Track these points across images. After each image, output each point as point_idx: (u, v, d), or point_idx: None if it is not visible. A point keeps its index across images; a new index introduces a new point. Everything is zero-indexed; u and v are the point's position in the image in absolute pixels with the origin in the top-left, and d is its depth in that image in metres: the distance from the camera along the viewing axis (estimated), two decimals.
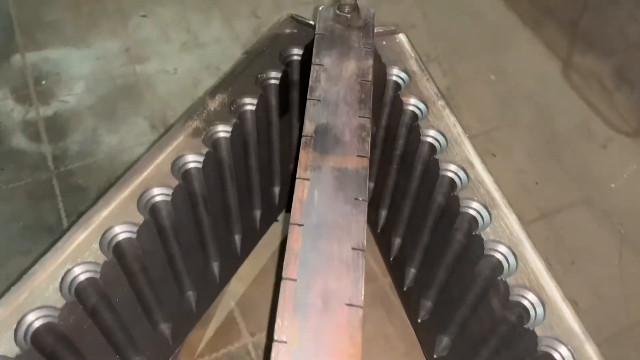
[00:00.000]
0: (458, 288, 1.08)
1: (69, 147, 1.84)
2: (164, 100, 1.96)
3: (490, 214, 0.97)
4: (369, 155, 0.92)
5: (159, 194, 0.97)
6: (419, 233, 1.20)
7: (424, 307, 1.27)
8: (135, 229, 0.93)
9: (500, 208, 0.98)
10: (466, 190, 1.00)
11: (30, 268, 0.91)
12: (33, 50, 2.06)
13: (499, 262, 0.94)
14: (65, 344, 0.89)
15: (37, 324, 0.84)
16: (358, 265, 0.81)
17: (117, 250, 0.93)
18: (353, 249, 0.82)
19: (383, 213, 1.40)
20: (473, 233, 0.97)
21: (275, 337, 0.75)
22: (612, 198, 1.80)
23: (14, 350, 0.80)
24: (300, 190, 0.88)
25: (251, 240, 1.45)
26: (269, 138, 1.26)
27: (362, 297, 0.79)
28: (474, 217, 0.99)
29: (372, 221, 1.44)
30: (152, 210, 0.97)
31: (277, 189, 1.44)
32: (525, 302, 0.89)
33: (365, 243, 0.84)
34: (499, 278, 0.92)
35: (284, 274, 0.80)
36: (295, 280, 0.79)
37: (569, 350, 0.84)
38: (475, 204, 0.98)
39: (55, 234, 1.64)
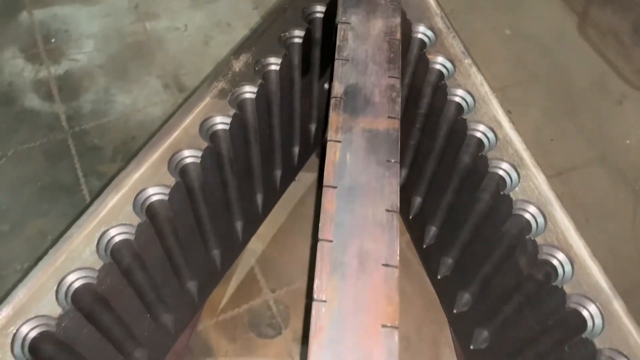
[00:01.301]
0: (482, 246, 1.09)
1: (83, 106, 1.83)
2: (175, 58, 1.94)
3: (518, 174, 0.98)
4: (399, 117, 0.92)
5: (189, 156, 0.97)
6: (442, 192, 1.21)
7: (445, 264, 1.29)
8: (167, 190, 0.94)
9: (529, 168, 0.98)
10: (494, 150, 1.01)
11: (53, 230, 0.91)
12: (40, 7, 2.02)
13: (528, 221, 0.95)
14: (102, 304, 0.91)
15: (76, 284, 0.85)
16: (392, 226, 0.82)
17: (150, 212, 0.94)
18: (387, 210, 0.83)
19: (403, 172, 1.40)
20: (501, 193, 0.98)
21: (315, 296, 0.76)
22: (627, 155, 1.81)
23: (56, 310, 0.82)
24: (332, 152, 0.88)
25: (272, 199, 1.46)
26: (291, 98, 1.25)
27: (398, 258, 0.80)
28: (502, 178, 0.99)
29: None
30: (183, 172, 0.98)
31: (296, 149, 1.44)
32: (554, 261, 0.91)
33: (398, 205, 0.84)
34: (527, 237, 0.94)
35: (320, 235, 0.81)
36: (331, 241, 0.81)
37: (597, 307, 0.86)
38: (504, 165, 0.99)
39: (73, 195, 1.65)
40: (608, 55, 2.00)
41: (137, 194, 0.92)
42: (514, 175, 0.98)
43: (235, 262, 1.52)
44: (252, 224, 1.42)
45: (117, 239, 0.89)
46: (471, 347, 1.23)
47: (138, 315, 1.05)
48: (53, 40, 1.95)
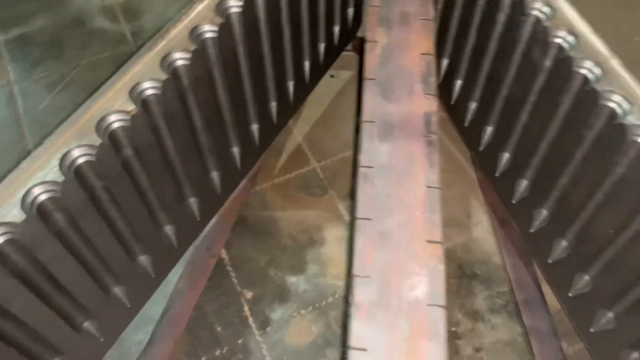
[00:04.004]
0: (518, 86, 1.22)
1: (144, 26, 2.07)
2: None
3: None
4: None
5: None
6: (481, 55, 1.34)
7: (486, 133, 1.40)
8: (216, 28, 1.08)
9: None
10: None
11: None
12: None
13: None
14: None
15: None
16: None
17: (202, 45, 1.09)
18: None
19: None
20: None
21: (368, 38, 0.96)
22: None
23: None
24: None
25: (303, 90, 1.63)
26: None
27: (433, 14, 0.99)
28: None
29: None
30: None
31: (337, 28, 1.66)
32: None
33: None
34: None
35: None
36: (379, 6, 1.00)
37: None
38: None
39: None
40: None
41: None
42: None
43: (284, 140, 1.72)
44: (286, 110, 1.57)
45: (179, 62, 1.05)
46: (513, 201, 1.33)
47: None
48: None
